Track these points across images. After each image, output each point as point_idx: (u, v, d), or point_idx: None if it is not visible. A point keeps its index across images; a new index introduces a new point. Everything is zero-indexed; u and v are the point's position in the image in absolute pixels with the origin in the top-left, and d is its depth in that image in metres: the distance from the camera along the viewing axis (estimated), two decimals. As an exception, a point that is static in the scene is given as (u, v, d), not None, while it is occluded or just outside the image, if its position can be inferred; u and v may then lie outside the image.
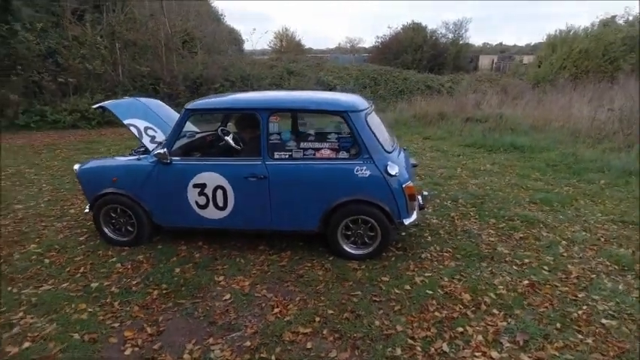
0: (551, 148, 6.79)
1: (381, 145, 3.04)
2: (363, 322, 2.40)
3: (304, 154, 3.05)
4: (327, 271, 3.00)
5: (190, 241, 3.44)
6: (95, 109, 3.49)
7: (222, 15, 30.51)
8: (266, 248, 3.36)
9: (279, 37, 38.38)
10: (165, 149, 3.10)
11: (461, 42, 23.17)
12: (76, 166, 3.40)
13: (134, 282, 2.81)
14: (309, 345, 2.20)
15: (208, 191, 3.12)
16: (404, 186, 3.00)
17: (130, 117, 3.44)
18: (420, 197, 3.62)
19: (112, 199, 3.26)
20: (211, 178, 3.09)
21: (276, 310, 2.53)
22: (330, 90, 15.46)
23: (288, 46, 36.98)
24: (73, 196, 4.65)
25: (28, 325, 2.33)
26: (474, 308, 2.57)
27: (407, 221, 3.08)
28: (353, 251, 3.16)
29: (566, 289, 2.82)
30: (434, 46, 21.52)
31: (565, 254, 3.36)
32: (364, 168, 2.97)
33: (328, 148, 3.05)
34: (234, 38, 36.19)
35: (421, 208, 3.59)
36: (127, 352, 2.14)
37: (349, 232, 3.15)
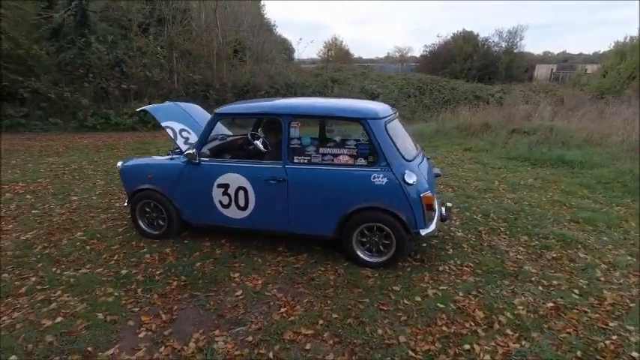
0: (606, 165, 6.23)
1: (400, 153, 3.02)
2: (365, 330, 2.38)
3: (323, 159, 3.11)
4: (339, 276, 3.02)
5: (214, 238, 3.63)
6: (138, 111, 3.83)
7: (274, 25, 31.71)
8: (284, 250, 3.45)
9: (327, 47, 39.16)
10: (194, 150, 3.33)
11: (515, 50, 21.97)
12: (119, 163, 3.74)
13: (158, 272, 3.03)
14: (307, 346, 2.24)
15: (231, 191, 3.29)
16: (422, 195, 2.95)
17: (168, 120, 3.72)
18: (443, 209, 3.53)
19: (147, 194, 3.54)
20: (234, 179, 3.25)
21: (282, 309, 2.59)
22: (373, 99, 15.44)
23: (336, 55, 37.50)
24: (120, 191, 5.09)
25: (63, 303, 2.61)
26: (485, 327, 2.45)
27: (424, 232, 3.01)
28: (367, 258, 3.15)
29: (597, 315, 2.60)
30: (485, 55, 20.65)
31: (602, 279, 3.08)
32: (381, 175, 2.97)
33: (347, 154, 3.09)
34: (285, 48, 37.46)
35: (443, 220, 3.50)
36: (141, 335, 2.31)
37: (364, 239, 3.15)
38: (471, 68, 19.78)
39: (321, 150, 3.12)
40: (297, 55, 31.57)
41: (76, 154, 7.47)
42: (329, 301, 2.67)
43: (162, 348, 2.21)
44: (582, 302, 2.75)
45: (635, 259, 3.40)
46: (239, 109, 3.48)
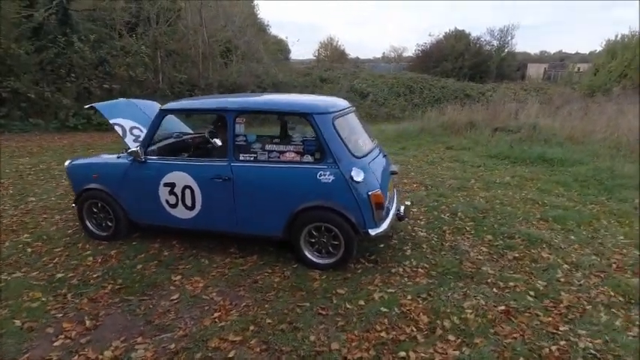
0: (585, 162, 6.10)
1: (348, 149, 2.88)
2: (297, 336, 2.24)
3: (269, 157, 2.98)
4: (284, 278, 2.88)
5: (165, 239, 3.49)
6: (87, 108, 3.69)
7: (268, 25, 31.55)
8: (235, 251, 3.30)
9: (323, 47, 39.09)
10: (139, 148, 3.19)
11: (506, 49, 21.85)
12: (67, 162, 3.60)
13: (95, 275, 2.89)
14: (231, 354, 2.10)
15: (177, 191, 3.15)
16: (370, 194, 2.81)
17: (118, 117, 3.59)
18: (402, 207, 3.40)
19: (93, 194, 3.40)
20: (180, 178, 3.11)
21: (216, 314, 2.45)
22: (363, 98, 15.34)
23: (331, 55, 37.44)
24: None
25: (-16, 309, 2.47)
26: (427, 332, 2.31)
27: (373, 232, 2.88)
28: (316, 260, 3.01)
29: (549, 319, 2.46)
30: (476, 54, 20.51)
31: (562, 279, 2.95)
32: (328, 173, 2.83)
33: (293, 151, 2.95)
34: (280, 48, 37.27)
35: (401, 218, 3.36)
36: (57, 343, 2.17)
37: (313, 240, 3.01)
38: (463, 67, 19.64)
39: (267, 147, 2.98)
40: (292, 55, 31.51)
41: (48, 155, 7.32)
42: (267, 305, 2.53)
43: (76, 357, 2.06)
44: (536, 305, 2.61)
45: (598, 259, 3.26)
46: (185, 105, 3.35)
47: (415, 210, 4.35)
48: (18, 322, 2.32)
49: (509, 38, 21.64)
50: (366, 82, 16.61)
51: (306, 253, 3.02)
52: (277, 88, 14.20)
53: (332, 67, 19.36)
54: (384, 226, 2.96)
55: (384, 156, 3.45)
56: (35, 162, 6.60)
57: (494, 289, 2.80)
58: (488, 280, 2.91)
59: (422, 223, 3.99)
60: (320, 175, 2.84)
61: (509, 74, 20.91)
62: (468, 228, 3.86)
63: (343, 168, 2.81)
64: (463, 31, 21.40)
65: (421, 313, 2.48)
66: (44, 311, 2.45)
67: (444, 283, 2.86)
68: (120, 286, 2.74)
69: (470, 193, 4.98)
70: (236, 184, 2.99)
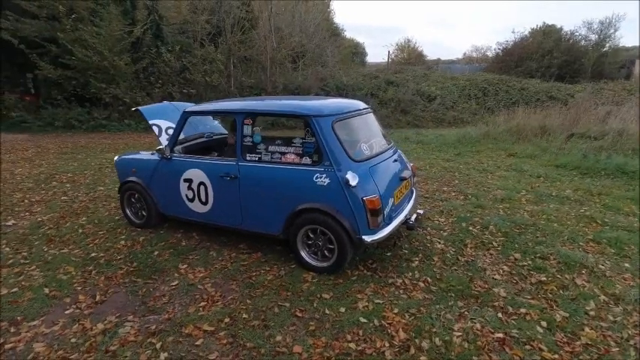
0: (679, 177, 5.03)
1: (347, 152, 2.83)
2: (264, 334, 2.28)
3: (272, 158, 3.06)
4: (277, 277, 2.94)
5: (188, 231, 3.79)
6: (134, 111, 4.18)
7: (342, 29, 31.96)
8: (244, 247, 3.46)
9: (400, 48, 38.26)
10: (166, 146, 3.53)
11: (607, 44, 18.78)
12: (116, 157, 4.13)
13: (119, 257, 3.28)
14: (199, 342, 2.22)
15: (194, 186, 3.41)
16: (364, 199, 2.72)
17: (156, 118, 4.00)
18: (413, 216, 3.23)
19: (131, 186, 3.85)
20: (196, 175, 3.37)
21: (202, 303, 2.61)
22: (430, 101, 14.66)
23: (409, 57, 36.44)
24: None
25: (29, 276, 2.97)
26: (399, 350, 2.17)
27: (368, 238, 2.78)
28: (312, 262, 3.01)
29: (554, 357, 2.12)
30: (567, 51, 18.04)
31: (592, 313, 2.51)
32: (324, 176, 2.81)
33: (293, 153, 2.99)
34: (357, 51, 37.45)
35: (410, 228, 3.19)
36: (67, 312, 2.53)
37: (310, 242, 3.01)
38: (550, 66, 17.43)
39: (271, 148, 3.07)
40: (371, 58, 31.38)
41: (130, 151, 8.42)
42: (249, 301, 2.61)
43: (76, 325, 2.38)
44: (544, 338, 2.27)
45: (652, 294, 2.69)
46: (205, 107, 3.60)
47: (442, 220, 4.06)
48: (47, 290, 2.76)
49: (612, 31, 18.62)
50: (436, 84, 15.84)
51: (303, 255, 3.03)
52: (342, 91, 14.34)
53: (402, 70, 18.84)
54: (382, 233, 2.83)
55: (395, 160, 3.29)
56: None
57: (499, 314, 2.49)
58: (496, 304, 2.60)
59: (444, 234, 3.71)
60: (316, 178, 2.84)
61: (611, 73, 17.97)
62: (495, 244, 3.49)
63: (339, 171, 2.77)
64: (553, 25, 19.04)
65: (401, 330, 2.32)
66: (70, 283, 2.86)
67: (442, 300, 2.64)
68: (134, 269, 3.07)
69: (514, 205, 4.47)
70: (242, 182, 3.13)
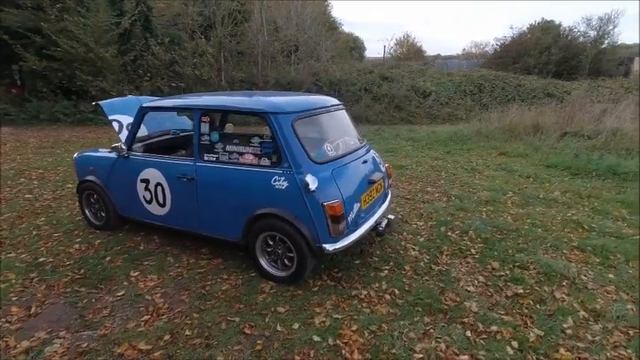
0: (673, 179, 4.81)
1: (307, 153, 2.59)
2: (205, 354, 2.06)
3: (230, 158, 2.82)
4: (234, 287, 2.72)
5: (149, 234, 3.57)
6: (94, 105, 3.94)
7: (340, 24, 31.52)
8: (206, 252, 3.23)
9: (399, 44, 37.85)
10: (123, 143, 3.29)
11: (607, 40, 18.44)
12: (75, 154, 3.89)
13: (67, 263, 3.05)
14: (129, 364, 2.01)
15: (151, 187, 3.18)
16: (325, 204, 2.49)
17: (117, 113, 3.75)
18: (383, 222, 3.01)
19: (89, 186, 3.62)
20: (153, 175, 3.13)
21: (145, 317, 2.39)
22: (425, 97, 14.40)
23: (408, 53, 36.05)
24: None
25: (-34, 284, 2.74)
26: (350, 374, 1.95)
27: (330, 247, 2.55)
28: (271, 271, 2.79)
29: (522, 383, 1.91)
30: (566, 47, 17.71)
31: (569, 331, 2.29)
32: (282, 178, 2.58)
33: (251, 153, 2.75)
34: (355, 46, 37.03)
35: (379, 234, 2.97)
36: (-5, 326, 2.31)
37: (270, 249, 2.79)
38: (548, 62, 17.12)
39: (229, 147, 2.83)
40: (369, 53, 30.95)
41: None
42: (196, 315, 2.39)
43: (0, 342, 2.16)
44: (513, 360, 2.05)
45: (635, 309, 2.48)
46: (162, 103, 3.36)
47: (421, 224, 3.84)
48: (-22, 301, 2.53)
49: (611, 27, 18.25)
50: (432, 80, 15.56)
51: (262, 263, 2.81)
52: (334, 86, 14.06)
53: (398, 65, 18.53)
54: (346, 241, 2.61)
55: (365, 162, 3.05)
56: (94, 152, 7.39)
57: (468, 332, 2.28)
58: (465, 320, 2.39)
59: (420, 239, 3.49)
60: (274, 181, 2.60)
61: (609, 70, 17.66)
62: (473, 251, 3.27)
63: (298, 174, 2.53)
64: (552, 21, 18.69)
65: (356, 351, 2.11)
66: (5, 293, 2.64)
67: (408, 315, 2.42)
68: (80, 276, 2.85)
69: (498, 208, 4.24)
70: (199, 184, 2.90)
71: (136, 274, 2.90)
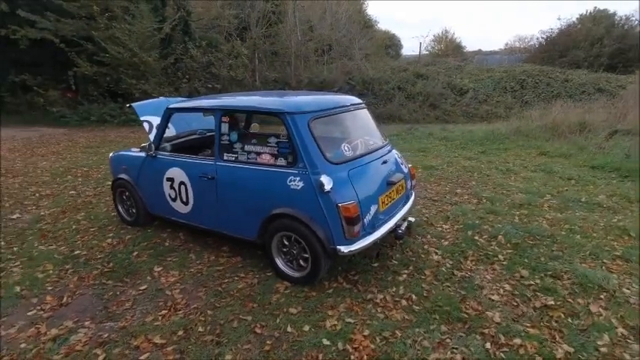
0: None
1: (323, 153, 2.56)
2: (214, 351, 2.10)
3: (248, 158, 2.86)
4: (249, 286, 2.74)
5: (175, 230, 3.70)
6: (128, 107, 4.14)
7: (376, 22, 31.15)
8: (226, 250, 3.30)
9: (437, 40, 36.75)
10: (151, 143, 3.44)
11: None
12: (111, 153, 4.12)
13: (99, 256, 3.23)
14: (143, 356, 2.08)
15: (176, 185, 3.29)
16: (339, 205, 2.45)
17: (148, 114, 3.92)
18: (403, 225, 2.92)
19: (122, 184, 3.81)
20: (177, 174, 3.24)
21: (163, 311, 2.47)
22: (462, 94, 13.86)
23: (446, 49, 34.87)
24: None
25: (10, 273, 2.98)
26: (357, 380, 1.90)
27: (345, 249, 2.51)
28: (287, 271, 2.79)
29: (544, 403, 1.76)
30: (621, 38, 16.24)
31: (604, 349, 2.10)
32: (298, 179, 2.57)
33: (268, 153, 2.77)
34: (392, 44, 36.46)
35: (398, 237, 2.88)
36: (30, 313, 2.48)
37: (285, 250, 2.79)
38: (600, 54, 15.78)
39: (247, 147, 2.86)
40: (406, 51, 30.32)
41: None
42: (210, 312, 2.44)
43: (31, 330, 2.32)
44: (536, 378, 1.91)
45: (685, 330, 2.22)
46: (186, 104, 3.47)
47: (446, 227, 3.68)
48: (18, 289, 2.74)
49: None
50: (470, 76, 14.93)
51: (278, 263, 2.82)
52: (367, 85, 13.90)
53: (434, 62, 17.95)
54: (362, 243, 2.55)
55: (385, 162, 2.96)
56: (134, 151, 7.81)
57: (487, 344, 2.14)
58: (486, 331, 2.25)
59: (444, 243, 3.34)
60: (290, 181, 2.60)
61: (673, 61, 15.98)
62: (501, 257, 3.08)
63: (314, 174, 2.51)
64: (605, 10, 17.22)
65: (366, 357, 2.05)
66: (43, 283, 2.84)
67: (424, 323, 2.33)
68: (108, 270, 3.01)
69: (533, 212, 3.97)
70: (219, 183, 2.96)
71: (159, 269, 3.02)
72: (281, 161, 2.71)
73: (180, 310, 2.49)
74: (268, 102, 2.94)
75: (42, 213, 4.30)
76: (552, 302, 2.50)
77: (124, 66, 12.29)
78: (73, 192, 5.09)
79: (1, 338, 2.25)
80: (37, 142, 9.00)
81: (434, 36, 35.42)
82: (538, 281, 2.74)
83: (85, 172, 6.14)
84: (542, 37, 19.15)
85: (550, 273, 2.83)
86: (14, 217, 4.20)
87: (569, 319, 2.35)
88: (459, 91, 13.96)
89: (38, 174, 6.02)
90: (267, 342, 2.17)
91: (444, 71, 15.83)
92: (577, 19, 18.08)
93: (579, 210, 4.02)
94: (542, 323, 2.32)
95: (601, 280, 2.69)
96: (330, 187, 2.45)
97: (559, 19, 34.61)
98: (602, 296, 2.55)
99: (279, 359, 2.04)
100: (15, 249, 3.41)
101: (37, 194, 4.99)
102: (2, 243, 3.54)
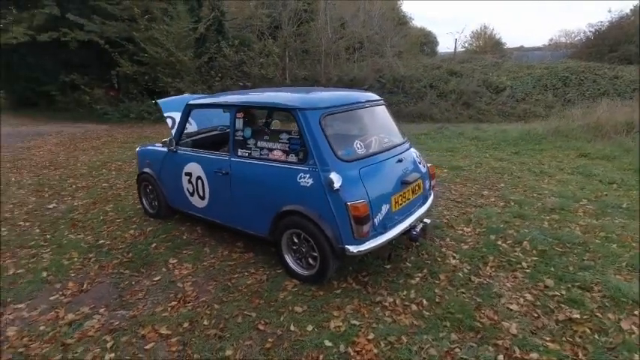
0: None
1: (334, 150, 2.51)
2: (216, 345, 2.11)
3: (261, 154, 2.86)
4: (258, 282, 2.75)
5: (193, 224, 3.78)
6: (154, 104, 4.28)
7: (411, 18, 30.51)
8: (240, 245, 3.33)
9: (475, 36, 35.40)
10: (171, 138, 3.54)
11: None
12: (137, 148, 4.28)
13: (120, 246, 3.36)
14: (149, 346, 2.13)
15: (193, 180, 3.36)
16: (348, 204, 2.39)
17: (172, 111, 4.03)
18: (418, 226, 2.81)
19: (145, 177, 3.95)
20: (195, 169, 3.31)
21: (173, 303, 2.53)
22: (498, 92, 13.24)
23: (485, 46, 33.51)
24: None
25: (40, 259, 3.17)
26: (355, 385, 1.84)
27: (354, 249, 2.45)
28: (296, 268, 2.77)
29: None
30: (682, 30, 14.77)
31: (632, 371, 1.90)
32: (307, 176, 2.54)
33: (280, 149, 2.75)
34: (428, 41, 35.66)
35: (413, 239, 2.77)
36: (52, 298, 2.62)
37: (295, 247, 2.77)
38: (657, 49, 14.50)
39: (259, 144, 2.87)
40: (442, 48, 29.50)
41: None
42: (217, 306, 2.47)
43: (51, 313, 2.45)
44: (551, 397, 1.76)
45: None
46: (204, 101, 3.52)
47: (468, 230, 3.51)
48: (45, 274, 2.91)
49: None
50: (508, 74, 14.21)
51: (288, 260, 2.80)
52: (398, 82, 13.61)
53: (470, 59, 17.26)
54: (372, 244, 2.48)
55: (400, 161, 2.86)
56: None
57: (500, 356, 2.01)
58: (500, 342, 2.11)
59: (464, 247, 3.18)
60: (300, 178, 2.57)
61: None
62: (524, 264, 2.89)
63: (324, 172, 2.47)
64: (665, 0, 15.63)
65: (367, 360, 1.98)
66: (67, 269, 2.99)
67: (433, 329, 2.22)
68: (127, 260, 3.12)
69: (565, 217, 3.70)
70: (232, 178, 2.99)
71: (174, 261, 3.09)
72: (292, 158, 2.68)
73: (189, 303, 2.53)
74: (281, 98, 2.93)
75: (75, 204, 4.55)
76: (578, 316, 2.31)
77: (161, 65, 12.79)
78: (105, 184, 5.35)
79: (25, 320, 2.39)
80: (81, 137, 9.57)
81: (472, 32, 34.09)
82: (564, 292, 2.54)
83: (119, 165, 6.45)
84: (590, 31, 17.85)
85: (578, 284, 2.61)
86: (51, 206, 4.47)
87: (596, 336, 2.15)
88: (494, 89, 13.33)
89: (78, 167, 6.39)
90: (269, 339, 2.16)
91: (479, 68, 15.17)
92: (631, 10, 16.71)
93: (619, 217, 3.70)
94: (564, 338, 2.14)
95: (636, 294, 2.45)
96: (339, 185, 2.39)
97: (609, 11, 32.16)
98: (636, 312, 2.32)
99: (279, 357, 2.02)
100: (48, 236, 3.63)
101: (74, 186, 5.30)
102: (37, 230, 3.77)
